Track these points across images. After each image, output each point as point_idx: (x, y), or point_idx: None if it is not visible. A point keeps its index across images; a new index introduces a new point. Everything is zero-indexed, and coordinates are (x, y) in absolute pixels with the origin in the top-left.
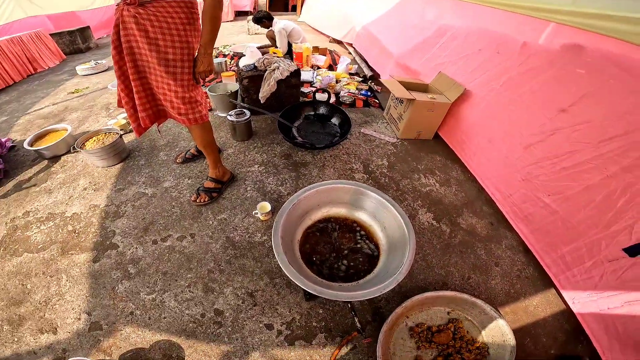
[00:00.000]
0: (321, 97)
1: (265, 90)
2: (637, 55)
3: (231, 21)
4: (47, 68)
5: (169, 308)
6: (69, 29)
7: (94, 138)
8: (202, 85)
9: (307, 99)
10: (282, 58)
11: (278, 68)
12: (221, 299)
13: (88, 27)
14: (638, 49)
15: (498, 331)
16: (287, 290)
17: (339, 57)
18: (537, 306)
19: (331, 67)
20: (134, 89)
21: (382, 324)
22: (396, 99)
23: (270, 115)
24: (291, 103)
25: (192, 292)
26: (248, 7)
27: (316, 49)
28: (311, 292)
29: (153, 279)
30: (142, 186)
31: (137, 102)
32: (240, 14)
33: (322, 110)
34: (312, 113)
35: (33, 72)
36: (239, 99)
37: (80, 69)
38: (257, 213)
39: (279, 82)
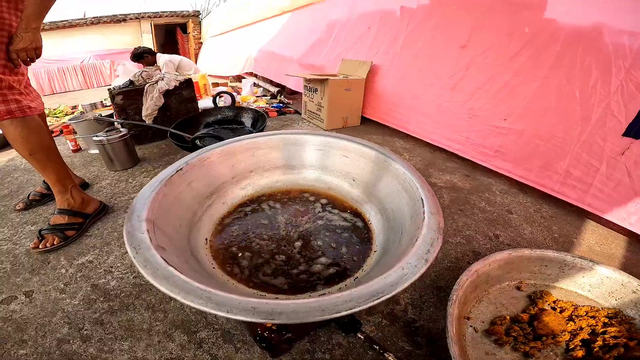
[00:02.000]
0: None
1: (149, 105)
2: None
3: None
4: None
5: None
6: None
7: None
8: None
9: None
10: (166, 72)
11: (162, 79)
12: None
13: None
14: None
15: (612, 284)
16: (228, 348)
17: (241, 89)
18: (601, 244)
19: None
20: None
21: (432, 344)
22: (309, 90)
23: (156, 128)
24: None
25: None
26: None
27: (216, 85)
28: (248, 319)
29: None
30: None
31: None
32: None
33: (227, 113)
34: (216, 118)
35: None
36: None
37: None
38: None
39: (168, 96)
